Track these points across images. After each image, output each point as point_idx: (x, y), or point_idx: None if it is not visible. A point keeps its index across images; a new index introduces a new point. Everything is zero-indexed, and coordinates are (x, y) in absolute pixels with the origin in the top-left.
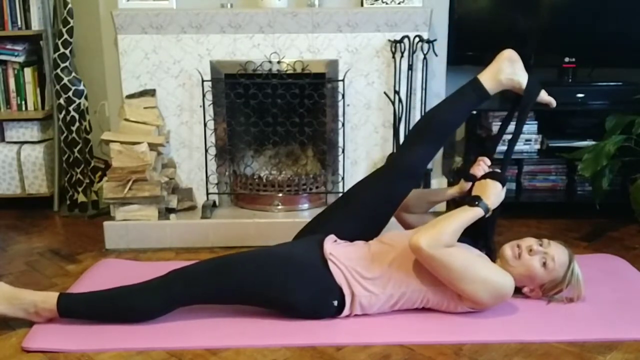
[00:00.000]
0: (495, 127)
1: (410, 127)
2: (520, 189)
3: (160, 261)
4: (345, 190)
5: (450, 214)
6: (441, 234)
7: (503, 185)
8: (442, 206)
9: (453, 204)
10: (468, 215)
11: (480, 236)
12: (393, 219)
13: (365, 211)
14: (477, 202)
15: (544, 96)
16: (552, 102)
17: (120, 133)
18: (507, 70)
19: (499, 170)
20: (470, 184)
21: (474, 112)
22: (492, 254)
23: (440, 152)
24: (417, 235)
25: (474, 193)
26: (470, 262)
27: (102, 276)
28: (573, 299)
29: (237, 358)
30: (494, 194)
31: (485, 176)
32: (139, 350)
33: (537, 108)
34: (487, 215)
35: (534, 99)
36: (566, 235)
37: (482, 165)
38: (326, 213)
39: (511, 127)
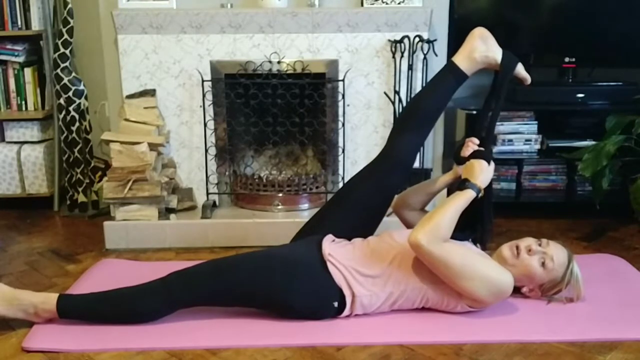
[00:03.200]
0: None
1: None
2: (520, 189)
3: (160, 261)
4: None
5: (443, 203)
6: (438, 226)
7: (488, 162)
8: (443, 196)
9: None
10: (460, 199)
11: (477, 219)
12: (392, 220)
13: (361, 206)
14: (466, 185)
15: (520, 70)
16: (527, 78)
17: (120, 133)
18: (480, 48)
19: (482, 149)
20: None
21: (474, 111)
22: (487, 238)
23: (440, 151)
24: (414, 232)
25: (462, 176)
26: (470, 259)
27: (102, 276)
28: (573, 299)
29: (237, 358)
30: (480, 172)
31: (470, 157)
32: (139, 350)
33: (521, 88)
34: (479, 195)
35: (511, 72)
36: (566, 235)
37: (470, 146)
38: (322, 212)
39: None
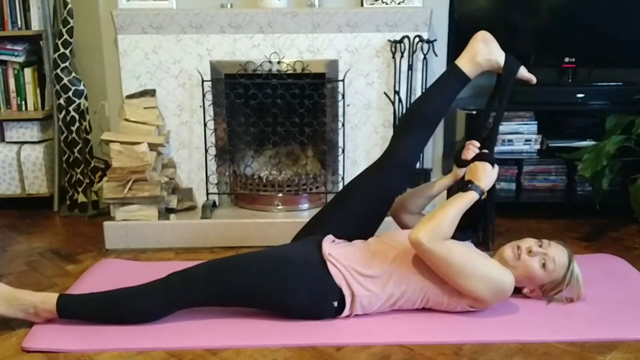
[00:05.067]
0: None
1: None
2: (520, 189)
3: (160, 261)
4: None
5: (445, 203)
6: (439, 225)
7: (492, 165)
8: (442, 198)
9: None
10: (463, 201)
11: (480, 221)
12: (392, 220)
13: (361, 208)
14: (469, 186)
15: (523, 72)
16: (533, 78)
17: (120, 133)
18: (483, 51)
19: (486, 151)
20: (464, 170)
21: (474, 112)
22: (489, 239)
23: (440, 152)
24: (415, 230)
25: (466, 178)
26: (470, 258)
27: (102, 276)
28: (573, 299)
29: (237, 358)
30: (485, 175)
31: (474, 159)
32: (139, 350)
33: (520, 88)
34: (482, 198)
35: (513, 76)
36: (566, 235)
37: (471, 149)
38: (323, 213)
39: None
